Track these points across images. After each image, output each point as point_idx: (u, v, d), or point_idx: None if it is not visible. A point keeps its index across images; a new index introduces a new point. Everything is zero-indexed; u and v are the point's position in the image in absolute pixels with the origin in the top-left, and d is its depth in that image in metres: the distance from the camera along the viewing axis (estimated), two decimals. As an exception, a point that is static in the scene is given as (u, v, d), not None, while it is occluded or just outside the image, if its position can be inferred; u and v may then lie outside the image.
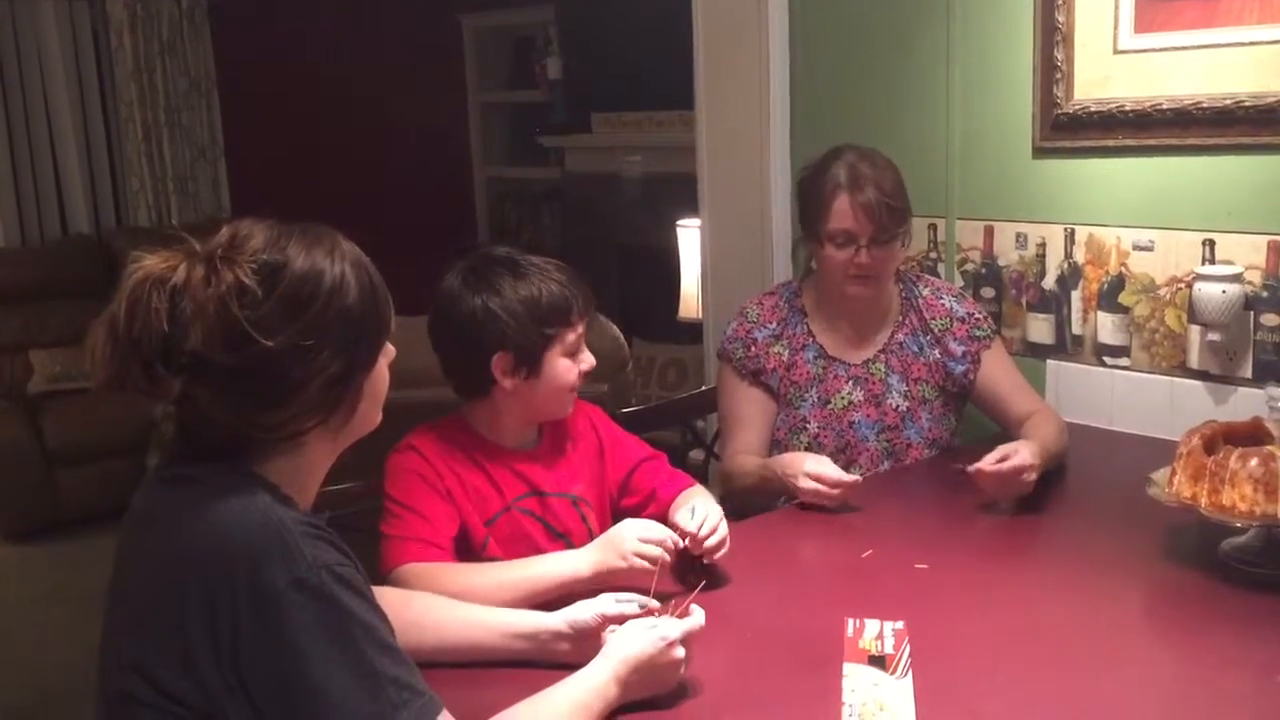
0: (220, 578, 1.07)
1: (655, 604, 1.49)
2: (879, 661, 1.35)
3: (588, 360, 1.81)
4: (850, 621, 1.46)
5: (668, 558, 1.61)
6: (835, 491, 1.97)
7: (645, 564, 1.59)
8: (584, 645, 1.44)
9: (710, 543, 1.69)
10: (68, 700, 3.07)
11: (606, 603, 1.47)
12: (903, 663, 1.35)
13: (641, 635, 1.35)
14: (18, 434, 4.30)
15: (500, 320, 1.71)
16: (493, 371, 1.74)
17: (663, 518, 1.78)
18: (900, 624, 1.45)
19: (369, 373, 1.21)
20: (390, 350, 1.26)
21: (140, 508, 1.19)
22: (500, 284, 1.73)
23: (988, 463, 1.94)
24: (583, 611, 1.46)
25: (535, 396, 1.77)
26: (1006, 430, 2.26)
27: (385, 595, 1.37)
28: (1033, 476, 1.95)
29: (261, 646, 1.06)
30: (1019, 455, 1.95)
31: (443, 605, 1.52)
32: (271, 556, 1.07)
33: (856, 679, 1.32)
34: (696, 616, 1.38)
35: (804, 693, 1.38)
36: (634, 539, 1.61)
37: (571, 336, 1.77)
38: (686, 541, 1.68)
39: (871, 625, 1.45)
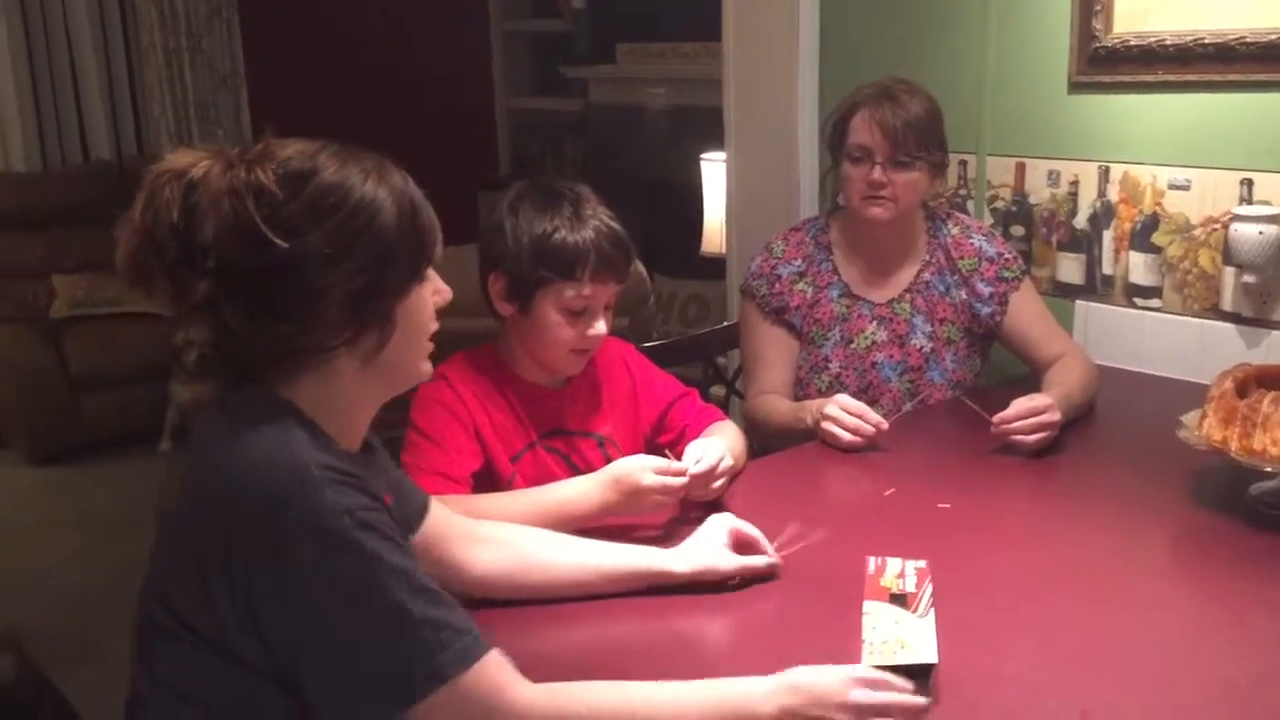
0: (238, 520, 1.04)
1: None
2: (900, 600, 1.34)
3: (596, 328, 1.72)
4: (871, 559, 1.45)
5: (681, 482, 1.63)
6: (852, 421, 1.96)
7: (664, 500, 1.62)
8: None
9: (708, 479, 1.68)
10: (85, 621, 3.11)
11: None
12: (924, 601, 1.34)
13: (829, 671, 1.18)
14: (41, 358, 4.32)
15: (504, 240, 1.69)
16: (490, 290, 1.73)
17: None
18: (923, 563, 1.44)
19: (402, 300, 1.16)
20: (443, 290, 1.22)
21: (193, 431, 1.18)
22: (527, 209, 1.70)
23: (1008, 414, 1.92)
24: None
25: (531, 337, 1.74)
26: (1034, 371, 2.23)
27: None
28: (1055, 418, 1.93)
29: (282, 596, 1.04)
30: (1035, 399, 1.93)
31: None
32: (292, 502, 1.04)
33: (877, 616, 1.31)
34: None
35: (825, 629, 1.37)
36: (649, 476, 1.61)
37: (570, 293, 1.69)
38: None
39: (893, 564, 1.44)
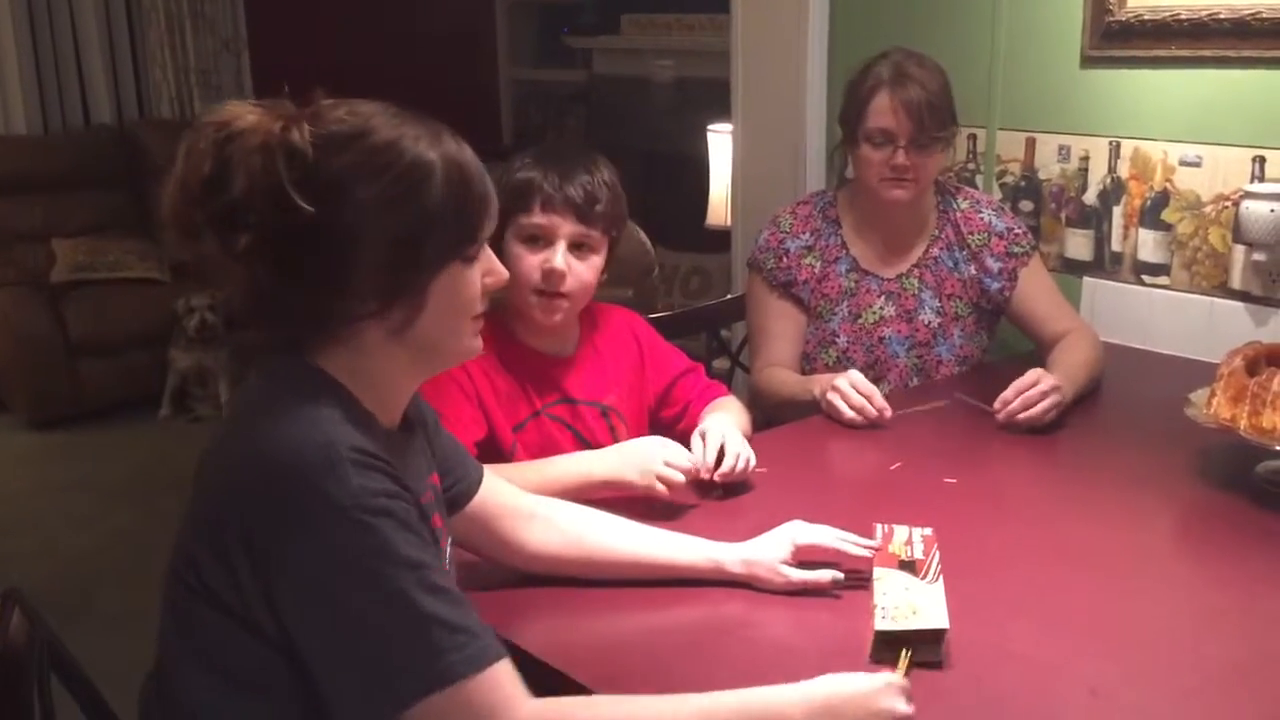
0: (260, 495, 1.02)
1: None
2: (909, 566, 1.34)
3: (553, 261, 1.68)
4: (879, 527, 1.45)
5: (684, 479, 1.60)
6: (858, 400, 1.95)
7: (662, 488, 1.58)
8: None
9: (723, 471, 1.66)
10: (87, 584, 3.12)
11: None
12: (933, 568, 1.34)
13: (861, 677, 1.12)
14: (40, 322, 4.30)
15: None
16: None
17: (692, 430, 1.75)
18: (929, 530, 1.44)
19: (436, 277, 1.11)
20: (498, 272, 1.18)
21: (240, 391, 1.17)
22: (515, 159, 1.73)
23: (1006, 395, 1.91)
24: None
25: (509, 286, 1.73)
26: (1041, 348, 2.22)
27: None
28: (1052, 382, 1.91)
29: (296, 575, 1.01)
30: (1025, 377, 1.92)
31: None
32: (313, 481, 1.00)
33: (888, 583, 1.31)
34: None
35: (834, 597, 1.37)
36: (660, 460, 1.59)
37: (523, 219, 1.68)
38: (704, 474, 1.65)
39: (900, 530, 1.44)
